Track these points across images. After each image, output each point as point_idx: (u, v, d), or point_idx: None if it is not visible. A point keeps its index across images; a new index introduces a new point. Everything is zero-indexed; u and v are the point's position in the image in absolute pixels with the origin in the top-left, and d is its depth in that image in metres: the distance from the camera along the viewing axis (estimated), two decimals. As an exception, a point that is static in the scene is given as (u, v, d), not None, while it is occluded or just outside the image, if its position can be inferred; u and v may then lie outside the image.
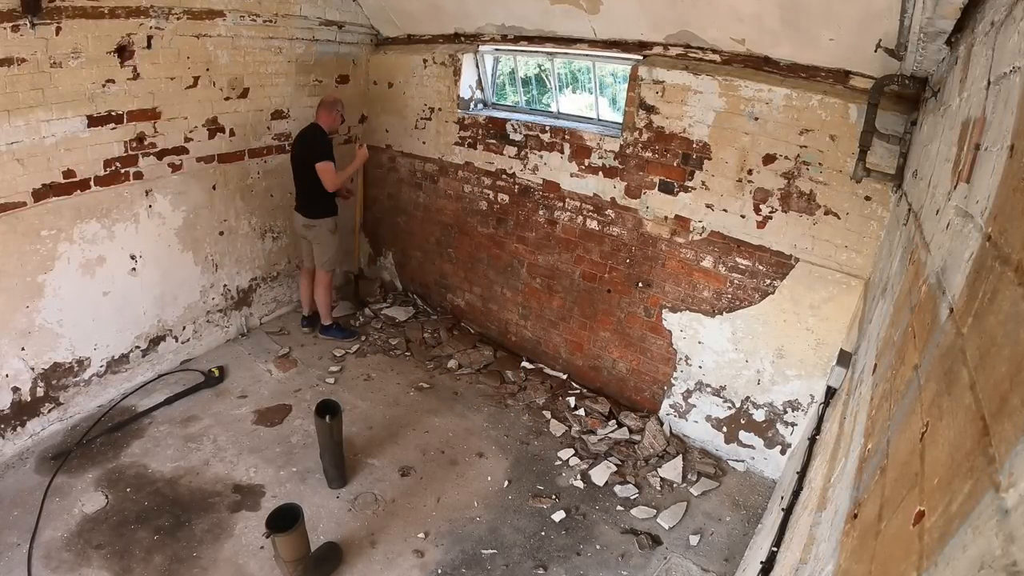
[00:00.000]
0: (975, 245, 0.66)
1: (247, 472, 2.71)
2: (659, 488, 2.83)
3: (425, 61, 3.76)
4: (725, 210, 2.80)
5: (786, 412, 2.84)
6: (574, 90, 4.33)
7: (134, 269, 3.06)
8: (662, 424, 3.19)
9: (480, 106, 3.80)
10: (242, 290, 3.74)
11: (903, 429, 0.74)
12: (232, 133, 3.36)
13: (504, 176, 3.61)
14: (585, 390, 3.53)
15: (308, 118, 3.79)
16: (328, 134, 3.40)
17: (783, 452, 2.88)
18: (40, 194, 2.58)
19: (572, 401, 3.40)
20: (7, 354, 2.61)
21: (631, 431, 3.17)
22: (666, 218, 3.00)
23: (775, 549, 1.57)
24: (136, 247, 3.04)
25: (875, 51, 2.15)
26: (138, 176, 2.95)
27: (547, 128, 3.34)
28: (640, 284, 3.18)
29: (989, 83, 0.85)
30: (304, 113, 3.75)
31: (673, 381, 3.19)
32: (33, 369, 2.73)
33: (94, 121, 2.69)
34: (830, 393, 2.09)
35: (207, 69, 3.10)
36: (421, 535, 2.47)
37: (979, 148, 0.82)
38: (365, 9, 3.82)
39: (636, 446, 3.08)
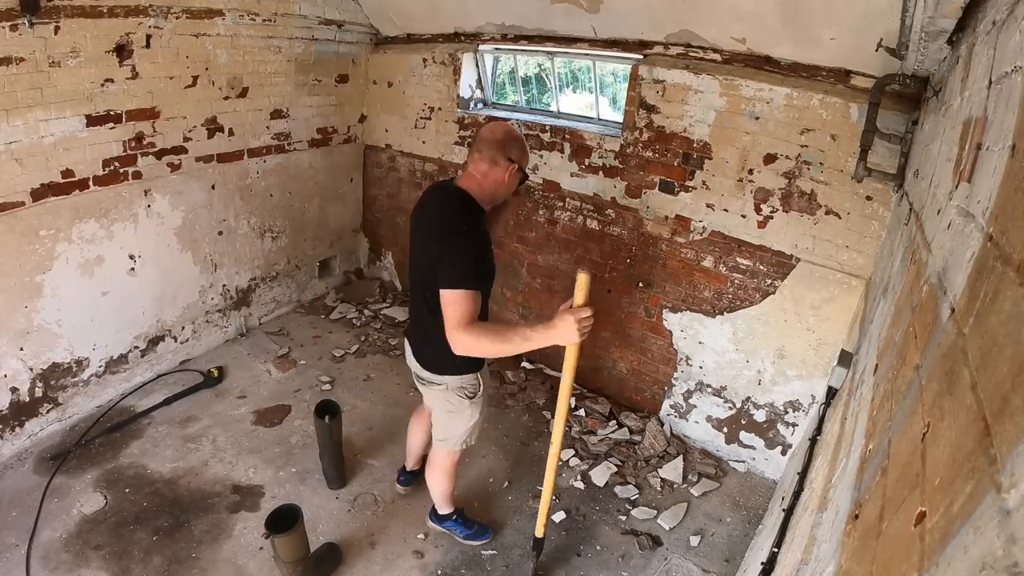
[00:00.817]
0: (976, 245, 0.66)
1: (246, 473, 2.70)
2: (659, 489, 2.82)
3: (425, 60, 3.75)
4: (726, 210, 2.79)
5: (787, 412, 2.83)
6: (574, 90, 4.33)
7: (133, 269, 3.05)
8: (663, 424, 3.18)
9: (480, 105, 3.80)
10: (241, 290, 3.74)
11: (904, 429, 0.73)
12: (231, 133, 3.35)
13: (504, 176, 3.59)
14: (585, 390, 3.52)
15: (307, 117, 3.80)
16: (484, 207, 1.85)
17: (784, 453, 2.88)
18: (38, 194, 2.57)
19: (572, 401, 3.39)
20: (5, 354, 2.60)
21: (631, 431, 3.17)
22: (666, 218, 2.99)
23: (776, 550, 1.56)
24: (135, 247, 3.03)
25: (876, 50, 2.14)
26: (137, 176, 2.94)
27: (547, 128, 3.34)
28: (640, 284, 3.17)
29: (990, 82, 0.84)
30: (303, 113, 3.74)
31: (674, 381, 3.18)
32: (31, 369, 2.72)
33: (93, 121, 2.68)
34: (831, 393, 2.08)
35: (206, 68, 3.09)
36: (421, 536, 2.47)
37: (980, 148, 0.81)
38: (364, 8, 3.81)
39: (636, 447, 3.08)
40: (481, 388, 2.05)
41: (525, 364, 3.72)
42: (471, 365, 1.96)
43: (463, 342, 1.67)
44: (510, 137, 1.84)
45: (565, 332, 1.68)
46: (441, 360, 1.92)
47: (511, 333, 1.70)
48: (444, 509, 2.42)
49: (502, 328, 1.74)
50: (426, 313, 1.83)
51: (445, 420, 2.11)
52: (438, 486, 2.32)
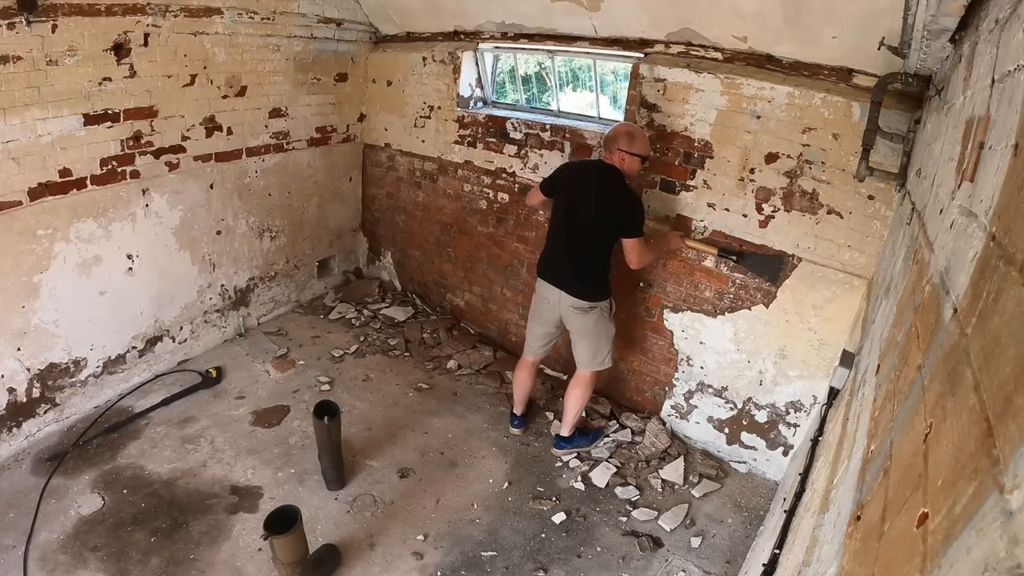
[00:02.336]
0: (979, 244, 0.65)
1: (245, 473, 2.69)
2: (660, 490, 2.81)
3: (424, 59, 3.74)
4: (727, 209, 2.78)
5: (788, 413, 2.82)
6: (575, 88, 4.32)
7: (131, 269, 3.04)
8: (664, 425, 3.17)
9: (480, 104, 3.78)
10: (240, 290, 3.72)
11: (906, 430, 0.73)
12: (230, 132, 3.33)
13: (504, 175, 3.59)
14: (585, 390, 3.50)
15: (306, 116, 3.79)
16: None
17: (785, 453, 2.87)
18: (36, 193, 2.56)
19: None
20: (2, 355, 2.59)
21: (633, 432, 3.15)
22: (667, 217, 2.98)
23: (777, 551, 1.55)
24: (133, 246, 3.02)
25: (878, 49, 2.13)
26: (135, 175, 2.93)
27: (547, 127, 3.32)
28: (641, 284, 3.16)
29: (993, 81, 0.84)
30: (302, 112, 3.73)
31: (674, 382, 3.17)
32: (29, 370, 2.71)
33: (90, 119, 2.67)
34: (833, 394, 2.07)
35: (204, 67, 3.07)
36: (420, 537, 2.45)
37: (983, 147, 0.81)
38: (364, 6, 3.80)
39: (637, 447, 3.06)
40: (613, 308, 2.79)
41: (525, 364, 3.71)
42: (610, 292, 2.75)
43: (642, 262, 2.64)
44: (636, 129, 2.64)
45: (671, 239, 2.86)
46: (597, 290, 2.68)
47: (653, 250, 2.78)
48: (569, 430, 2.94)
49: (653, 249, 2.77)
50: (596, 257, 2.62)
51: (596, 341, 2.75)
52: (578, 403, 2.87)
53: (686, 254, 2.96)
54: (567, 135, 3.25)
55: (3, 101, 2.35)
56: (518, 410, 3.11)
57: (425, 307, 4.29)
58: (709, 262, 2.90)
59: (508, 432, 3.14)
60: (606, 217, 2.54)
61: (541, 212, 3.48)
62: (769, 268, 2.72)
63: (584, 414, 3.12)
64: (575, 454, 2.96)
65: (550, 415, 3.29)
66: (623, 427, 3.19)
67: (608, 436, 3.10)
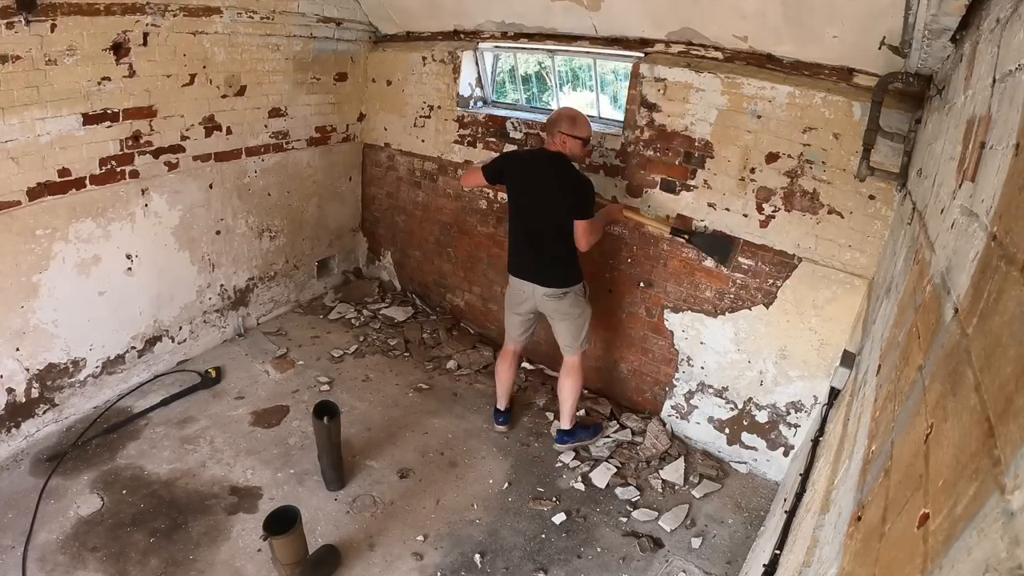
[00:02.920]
0: (980, 244, 0.65)
1: (244, 474, 2.68)
2: (660, 490, 2.81)
3: (424, 58, 3.73)
4: (727, 209, 2.78)
5: (789, 413, 2.82)
6: (575, 88, 4.31)
7: (130, 269, 3.03)
8: (664, 425, 3.17)
9: (480, 104, 3.78)
10: (239, 290, 3.72)
11: (907, 431, 0.73)
12: (229, 131, 3.33)
13: (504, 175, 3.58)
14: (586, 391, 3.49)
15: (306, 116, 3.78)
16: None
17: (786, 454, 2.86)
18: (35, 193, 2.55)
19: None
20: (1, 355, 2.58)
21: (633, 432, 3.15)
22: (668, 217, 2.97)
23: (778, 552, 1.55)
24: (132, 246, 3.01)
25: (879, 48, 2.12)
26: (134, 175, 2.92)
27: (547, 126, 3.31)
28: (641, 284, 3.15)
29: (994, 80, 0.84)
30: (301, 111, 3.72)
31: (675, 382, 3.16)
32: (28, 370, 2.70)
33: (89, 119, 2.66)
34: (833, 394, 2.07)
35: (204, 67, 3.07)
36: (420, 537, 2.45)
37: (984, 146, 0.81)
38: (363, 6, 3.79)
39: (638, 448, 3.06)
40: (586, 290, 2.82)
41: (526, 365, 3.71)
42: (581, 274, 2.77)
43: (590, 242, 2.63)
44: (575, 114, 2.63)
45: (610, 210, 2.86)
46: (568, 275, 2.71)
47: (599, 226, 2.71)
48: (568, 423, 2.92)
49: (598, 226, 2.70)
50: (559, 243, 2.62)
51: (574, 325, 2.78)
52: (573, 391, 2.86)
53: (687, 253, 2.96)
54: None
55: (2, 101, 2.34)
56: (502, 404, 3.08)
57: (425, 307, 4.28)
58: (709, 262, 2.90)
59: (508, 432, 3.13)
60: (560, 202, 2.57)
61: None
62: (720, 249, 2.75)
63: (584, 413, 3.12)
64: (576, 450, 2.94)
65: (550, 415, 3.28)
66: (623, 427, 3.19)
67: (608, 436, 3.08)
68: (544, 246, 2.67)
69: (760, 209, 2.69)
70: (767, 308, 2.77)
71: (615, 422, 3.23)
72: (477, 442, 3.04)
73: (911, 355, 0.89)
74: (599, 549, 2.48)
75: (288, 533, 1.97)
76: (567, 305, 2.73)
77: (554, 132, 2.59)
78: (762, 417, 2.90)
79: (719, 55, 2.70)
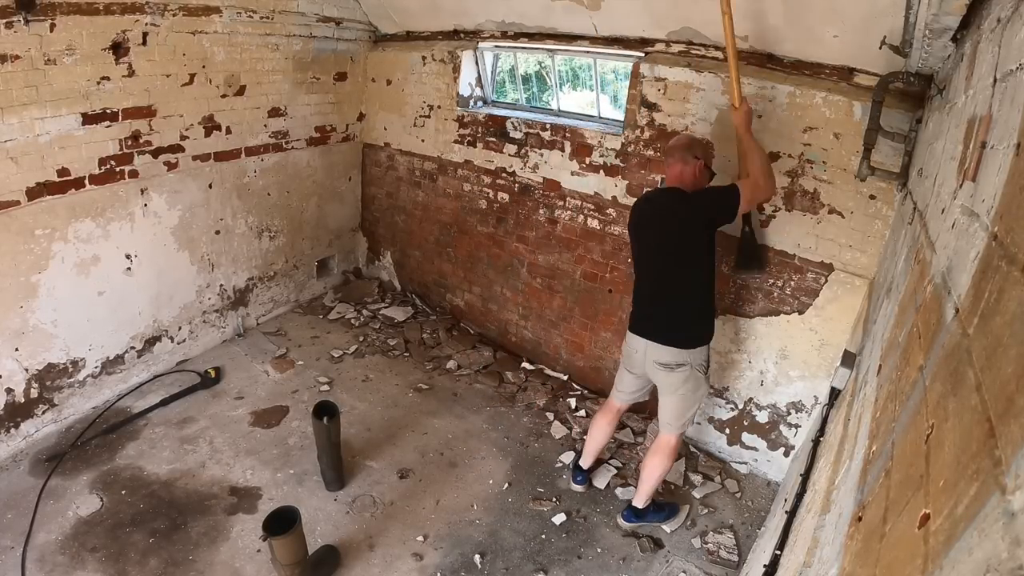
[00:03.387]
0: (981, 244, 0.65)
1: (244, 474, 2.68)
2: (661, 491, 2.80)
3: (424, 58, 3.73)
4: (727, 209, 2.77)
5: (789, 414, 2.81)
6: (575, 87, 4.31)
7: (129, 269, 3.03)
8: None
9: (480, 104, 3.77)
10: (239, 290, 3.71)
11: (908, 431, 0.73)
12: (228, 131, 3.32)
13: (504, 174, 3.58)
14: (586, 391, 3.50)
15: (305, 116, 3.77)
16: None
17: (786, 454, 2.86)
18: (34, 192, 2.55)
19: (573, 402, 3.37)
20: (0, 355, 2.58)
21: (634, 432, 3.14)
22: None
23: (778, 552, 1.55)
24: (131, 246, 3.01)
25: (880, 48, 2.12)
26: (133, 174, 2.91)
27: (547, 126, 3.31)
28: (641, 284, 3.15)
29: (995, 80, 0.84)
30: (301, 111, 3.72)
31: (674, 382, 3.16)
32: (27, 370, 2.70)
33: (88, 119, 2.65)
34: (834, 394, 2.07)
35: (203, 66, 3.06)
36: (420, 538, 2.44)
37: (985, 146, 0.81)
38: (363, 5, 3.79)
39: (639, 448, 3.05)
40: (709, 361, 2.36)
41: (526, 365, 3.70)
42: (710, 334, 2.33)
43: (761, 182, 2.17)
44: (692, 141, 2.36)
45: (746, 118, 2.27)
46: (695, 328, 2.29)
47: (755, 154, 2.21)
48: (644, 502, 2.52)
49: (755, 159, 2.20)
50: (681, 288, 2.24)
51: (682, 403, 2.34)
52: (658, 472, 2.44)
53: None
54: (567, 134, 3.24)
55: (1, 100, 2.34)
56: (586, 463, 2.71)
57: (425, 307, 4.28)
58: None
59: (508, 433, 3.13)
60: (684, 237, 2.20)
61: (541, 211, 3.47)
62: (756, 256, 2.64)
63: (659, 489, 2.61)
64: (636, 532, 2.55)
65: (550, 415, 3.28)
66: (624, 426, 3.18)
67: (685, 515, 2.66)
68: (670, 289, 2.29)
69: (761, 209, 2.69)
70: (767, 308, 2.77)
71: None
72: (477, 442, 3.04)
73: (912, 355, 0.88)
74: (599, 549, 2.48)
75: (288, 533, 1.96)
76: (679, 379, 2.30)
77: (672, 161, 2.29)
78: (762, 417, 2.90)
79: (719, 55, 2.70)
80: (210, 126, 3.22)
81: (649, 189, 2.63)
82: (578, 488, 2.73)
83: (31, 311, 2.66)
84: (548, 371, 3.66)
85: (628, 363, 2.46)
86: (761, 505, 2.77)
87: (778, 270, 2.70)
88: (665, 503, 2.64)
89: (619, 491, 2.77)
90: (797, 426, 2.80)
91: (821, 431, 1.96)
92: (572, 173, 3.27)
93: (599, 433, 2.64)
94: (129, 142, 2.85)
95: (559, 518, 2.59)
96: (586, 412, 3.29)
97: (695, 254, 2.22)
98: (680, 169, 2.27)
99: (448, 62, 3.62)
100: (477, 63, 3.66)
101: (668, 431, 2.41)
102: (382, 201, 4.36)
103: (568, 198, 3.33)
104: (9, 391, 2.64)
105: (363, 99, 4.15)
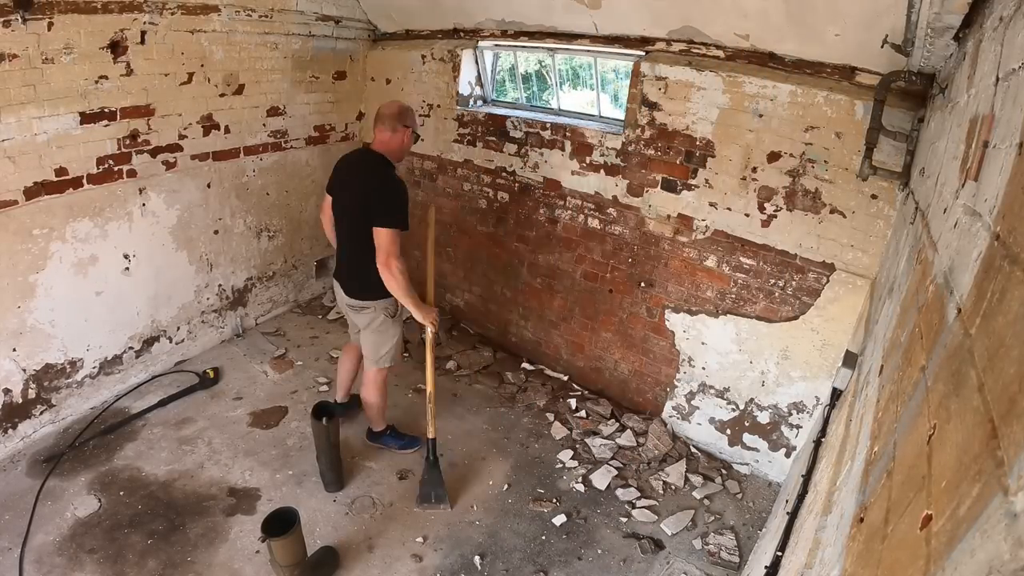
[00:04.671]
0: (983, 244, 0.65)
1: (242, 475, 2.67)
2: (661, 491, 2.79)
3: (423, 57, 3.72)
4: (729, 208, 2.76)
5: (791, 414, 2.80)
6: (575, 87, 4.29)
7: (127, 268, 3.02)
8: (665, 426, 3.15)
9: (479, 103, 3.76)
10: (237, 290, 3.70)
11: (910, 431, 0.72)
12: (227, 130, 3.31)
13: (504, 174, 3.57)
14: (586, 392, 3.49)
15: (304, 115, 3.76)
16: (394, 166, 2.44)
17: (788, 455, 2.85)
18: (32, 192, 2.53)
19: (573, 403, 3.36)
20: (-2, 355, 2.57)
21: (635, 433, 3.14)
22: (669, 217, 2.96)
23: (780, 553, 1.54)
24: (129, 246, 3.00)
25: (881, 47, 2.10)
26: (131, 174, 2.90)
27: (548, 125, 3.30)
28: (642, 284, 3.14)
29: (998, 79, 0.83)
30: (300, 110, 3.70)
31: (676, 383, 3.15)
32: (24, 370, 2.68)
33: (87, 118, 2.64)
34: (836, 395, 2.06)
35: (201, 65, 3.05)
36: (419, 539, 2.43)
37: (987, 145, 0.80)
38: (362, 4, 3.78)
39: (640, 449, 3.05)
40: (398, 310, 2.57)
41: (526, 365, 3.69)
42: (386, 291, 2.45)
43: (391, 265, 2.31)
44: (401, 109, 2.43)
45: (425, 314, 2.48)
46: (371, 285, 2.43)
47: (408, 286, 2.37)
48: (379, 426, 2.86)
49: (406, 281, 2.37)
50: (359, 246, 2.37)
51: (375, 339, 2.59)
52: (372, 401, 2.74)
53: (688, 253, 2.94)
54: (567, 133, 3.23)
55: (-2, 99, 2.33)
56: (338, 397, 2.97)
57: (424, 307, 4.26)
58: (711, 262, 2.88)
59: (508, 433, 3.12)
60: (367, 201, 2.33)
61: (541, 210, 3.46)
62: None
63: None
64: (392, 446, 2.87)
65: (550, 416, 3.27)
66: (624, 428, 3.17)
67: (415, 449, 2.87)
68: (352, 249, 2.47)
69: (762, 209, 2.68)
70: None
71: (616, 423, 3.22)
72: (477, 443, 3.03)
73: (914, 355, 0.88)
74: (600, 551, 2.47)
75: (287, 535, 1.95)
76: (367, 319, 2.55)
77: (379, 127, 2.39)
78: (764, 418, 2.89)
79: (720, 54, 2.69)
80: (209, 125, 3.20)
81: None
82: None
83: (29, 311, 2.64)
84: (548, 371, 3.65)
85: (338, 303, 2.70)
86: (762, 506, 2.77)
87: (779, 270, 2.70)
88: (405, 434, 2.92)
89: (619, 492, 2.76)
90: (798, 427, 2.79)
91: (823, 432, 1.95)
92: (572, 172, 3.26)
93: (342, 370, 2.93)
94: (127, 141, 2.84)
95: (559, 519, 2.58)
96: (586, 413, 3.28)
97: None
98: (388, 136, 2.39)
99: (448, 61, 3.61)
100: (477, 62, 3.65)
101: (367, 365, 2.67)
102: (382, 201, 4.34)
103: (568, 198, 3.32)
104: (7, 391, 2.63)
105: (362, 98, 4.13)
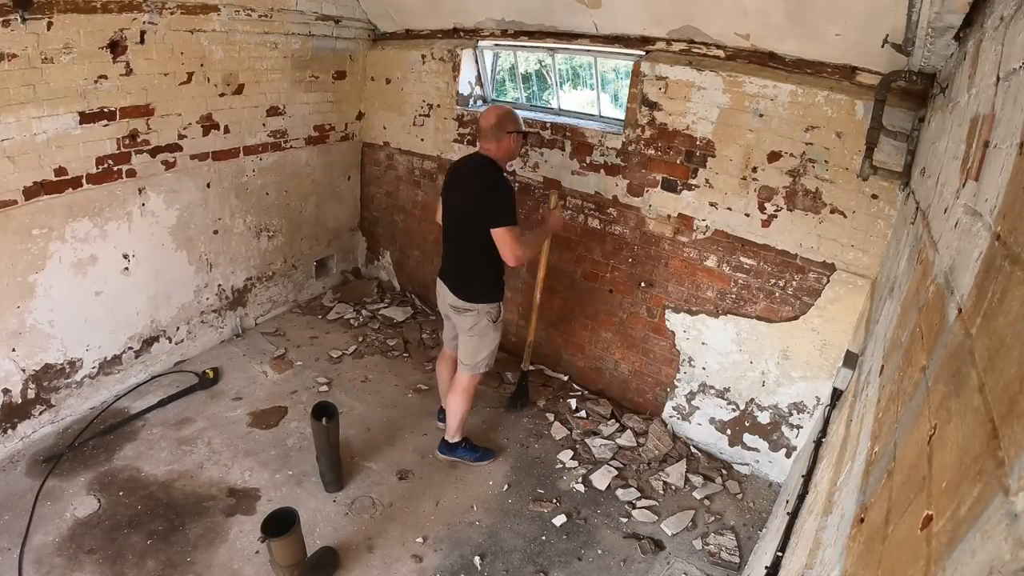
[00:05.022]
0: (984, 244, 0.65)
1: (242, 475, 2.66)
2: (662, 492, 2.79)
3: (423, 57, 3.72)
4: (729, 208, 2.76)
5: (791, 414, 2.80)
6: (575, 86, 4.29)
7: (127, 268, 3.01)
8: (665, 426, 3.15)
9: (480, 102, 3.76)
10: (237, 290, 3.70)
11: (910, 431, 0.72)
12: (227, 130, 3.31)
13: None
14: (586, 392, 3.49)
15: (304, 115, 3.76)
16: (504, 171, 2.47)
17: (788, 455, 2.85)
18: (31, 192, 2.53)
19: (573, 403, 3.36)
20: (-3, 355, 2.57)
21: (635, 433, 3.13)
22: (669, 216, 2.96)
23: (780, 554, 1.54)
24: (129, 246, 2.99)
25: (882, 46, 2.10)
26: (131, 174, 2.90)
27: (548, 125, 3.30)
28: (643, 284, 3.13)
29: (998, 79, 0.83)
30: (300, 110, 3.70)
31: (676, 383, 3.15)
32: (24, 371, 2.68)
33: (86, 118, 2.64)
34: (836, 395, 2.06)
35: (201, 65, 3.05)
36: (419, 539, 2.43)
37: (988, 145, 0.80)
38: (362, 3, 3.77)
39: (640, 449, 3.04)
40: (500, 316, 2.59)
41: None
42: (497, 294, 2.56)
43: (518, 255, 2.34)
44: (504, 113, 2.45)
45: (555, 223, 2.68)
46: (479, 288, 2.51)
47: (533, 239, 2.48)
48: (455, 437, 2.82)
49: (530, 240, 2.45)
50: (470, 249, 2.45)
51: (474, 343, 2.59)
52: (459, 408, 2.72)
53: (688, 253, 2.94)
54: (568, 133, 3.23)
55: (-2, 99, 2.33)
56: (444, 404, 2.94)
57: (424, 307, 4.26)
58: (711, 262, 2.88)
59: (508, 433, 3.12)
60: (478, 205, 2.37)
61: (541, 210, 3.46)
62: None
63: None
64: (466, 459, 2.85)
65: (550, 416, 3.27)
66: (624, 428, 3.17)
67: (490, 461, 2.90)
68: (462, 251, 2.51)
69: (762, 208, 2.67)
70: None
71: (615, 422, 3.21)
72: (477, 443, 3.02)
73: (914, 356, 0.88)
74: (600, 551, 2.46)
75: (286, 535, 1.94)
76: (469, 323, 2.55)
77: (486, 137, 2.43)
78: (764, 418, 2.89)
79: (721, 53, 2.69)
80: (208, 125, 3.20)
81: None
82: (440, 425, 2.99)
83: (28, 311, 2.64)
84: (548, 371, 3.65)
85: (440, 305, 2.73)
86: (762, 506, 2.76)
87: (780, 270, 2.69)
88: (479, 447, 2.91)
89: (620, 492, 2.76)
90: (799, 427, 2.79)
91: (823, 432, 1.95)
92: (572, 172, 3.25)
93: (443, 377, 2.92)
94: (127, 141, 2.84)
95: (559, 519, 2.58)
96: (586, 413, 3.28)
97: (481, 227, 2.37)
98: (495, 147, 2.43)
99: (448, 60, 3.61)
100: (477, 62, 3.65)
101: (462, 370, 2.68)
102: (381, 200, 4.34)
103: (568, 197, 3.31)
104: (6, 392, 2.63)
105: (362, 98, 4.13)
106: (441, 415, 2.97)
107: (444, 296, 2.62)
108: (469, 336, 2.58)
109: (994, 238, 0.61)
